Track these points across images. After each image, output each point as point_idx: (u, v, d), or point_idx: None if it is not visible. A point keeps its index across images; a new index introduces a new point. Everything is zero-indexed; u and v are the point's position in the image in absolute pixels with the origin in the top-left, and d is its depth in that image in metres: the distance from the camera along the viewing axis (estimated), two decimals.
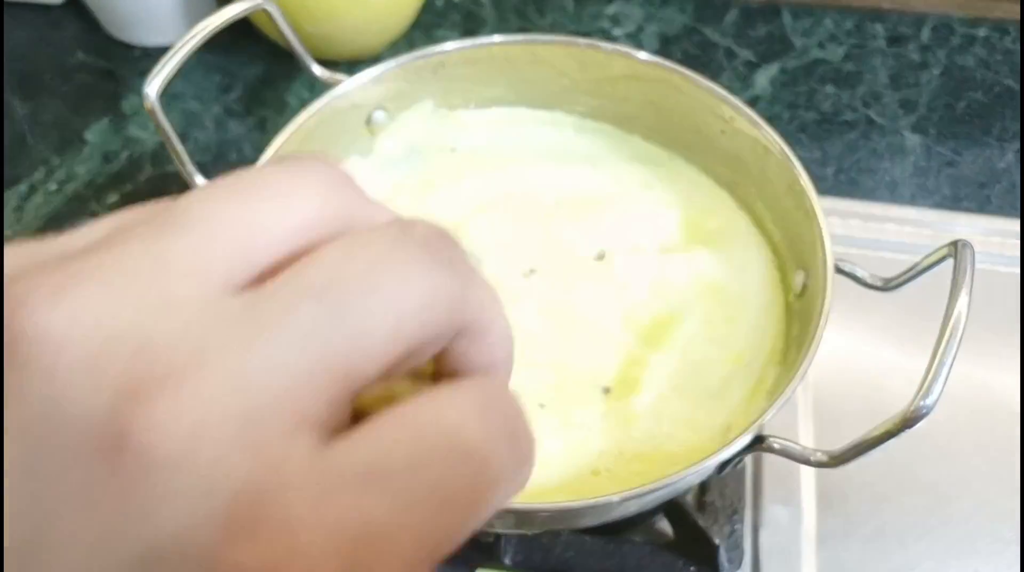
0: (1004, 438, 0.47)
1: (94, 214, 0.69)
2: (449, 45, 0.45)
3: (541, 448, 0.36)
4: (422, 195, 0.46)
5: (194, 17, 0.81)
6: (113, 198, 0.70)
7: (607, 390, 0.40)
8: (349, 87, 0.44)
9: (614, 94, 0.47)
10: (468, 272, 0.14)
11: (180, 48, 0.37)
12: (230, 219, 0.13)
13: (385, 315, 0.12)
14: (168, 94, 0.78)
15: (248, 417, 0.11)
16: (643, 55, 0.44)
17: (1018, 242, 0.58)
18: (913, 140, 0.71)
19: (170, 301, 0.12)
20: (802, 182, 0.39)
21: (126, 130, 0.76)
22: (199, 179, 0.40)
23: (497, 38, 0.45)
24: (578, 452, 0.38)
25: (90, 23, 0.83)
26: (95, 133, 0.75)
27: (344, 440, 0.12)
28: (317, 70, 0.44)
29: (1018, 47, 0.77)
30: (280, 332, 0.12)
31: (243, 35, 0.82)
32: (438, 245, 0.14)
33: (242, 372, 0.11)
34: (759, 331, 0.41)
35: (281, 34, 0.43)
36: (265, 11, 0.41)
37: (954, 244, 0.32)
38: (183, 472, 0.11)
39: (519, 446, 0.14)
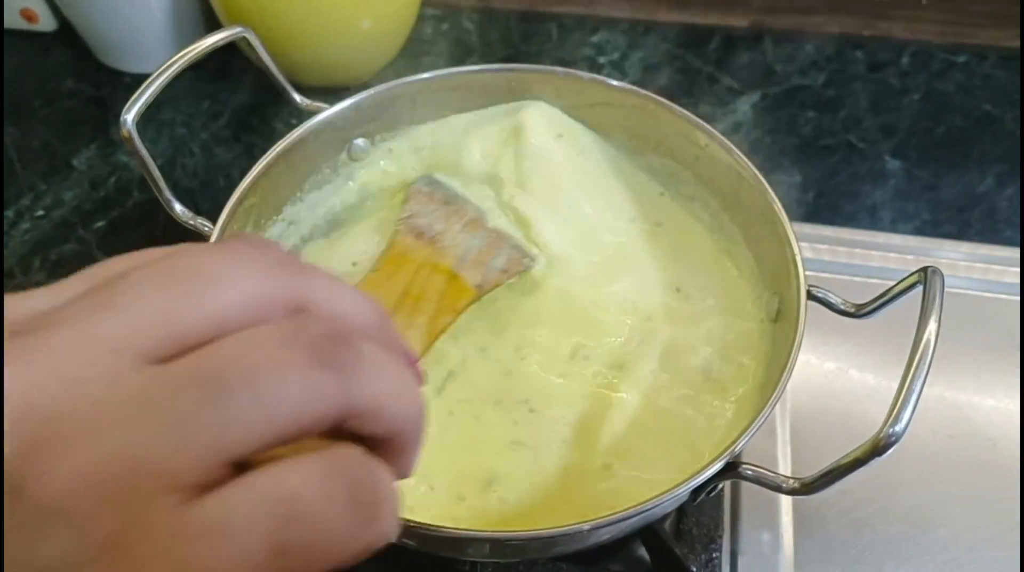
0: (982, 465, 0.47)
1: (80, 240, 0.69)
2: (427, 74, 0.45)
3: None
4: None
5: (183, 45, 0.81)
6: (100, 223, 0.70)
7: (579, 422, 0.40)
8: (328, 115, 0.44)
9: (591, 120, 0.47)
10: (356, 369, 0.16)
11: (159, 76, 0.38)
12: (158, 303, 0.16)
13: (257, 408, 0.15)
14: (157, 121, 0.79)
15: (120, 481, 0.15)
16: (616, 83, 0.45)
17: (994, 267, 0.58)
18: (893, 164, 0.72)
19: (82, 378, 0.15)
20: (775, 208, 0.39)
21: (114, 156, 0.76)
22: (177, 207, 0.41)
23: (475, 67, 0.45)
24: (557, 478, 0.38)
25: (81, 51, 0.84)
26: (83, 159, 0.76)
27: (203, 499, 0.15)
28: (297, 98, 0.45)
29: (996, 72, 0.78)
30: (163, 412, 0.15)
31: (232, 63, 0.83)
32: (327, 347, 0.16)
33: (123, 444, 0.15)
34: (735, 358, 0.42)
35: (264, 65, 0.44)
36: (245, 39, 0.42)
37: (924, 270, 0.32)
38: (62, 519, 0.14)
39: (362, 510, 0.16)
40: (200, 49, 0.39)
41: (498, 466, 0.39)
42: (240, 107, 0.80)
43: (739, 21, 0.83)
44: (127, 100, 0.39)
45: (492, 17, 0.87)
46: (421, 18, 0.85)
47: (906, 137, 0.74)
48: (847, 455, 0.30)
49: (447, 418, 0.39)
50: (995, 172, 0.71)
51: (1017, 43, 0.79)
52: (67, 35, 0.85)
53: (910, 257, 0.58)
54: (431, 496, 0.38)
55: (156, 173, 0.39)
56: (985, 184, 0.70)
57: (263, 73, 0.81)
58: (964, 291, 0.56)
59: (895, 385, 0.31)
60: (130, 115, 0.37)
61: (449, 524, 0.33)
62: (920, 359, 0.29)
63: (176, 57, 0.38)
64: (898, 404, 0.28)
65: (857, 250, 0.56)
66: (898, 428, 0.28)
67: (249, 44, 0.42)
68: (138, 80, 0.38)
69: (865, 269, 0.57)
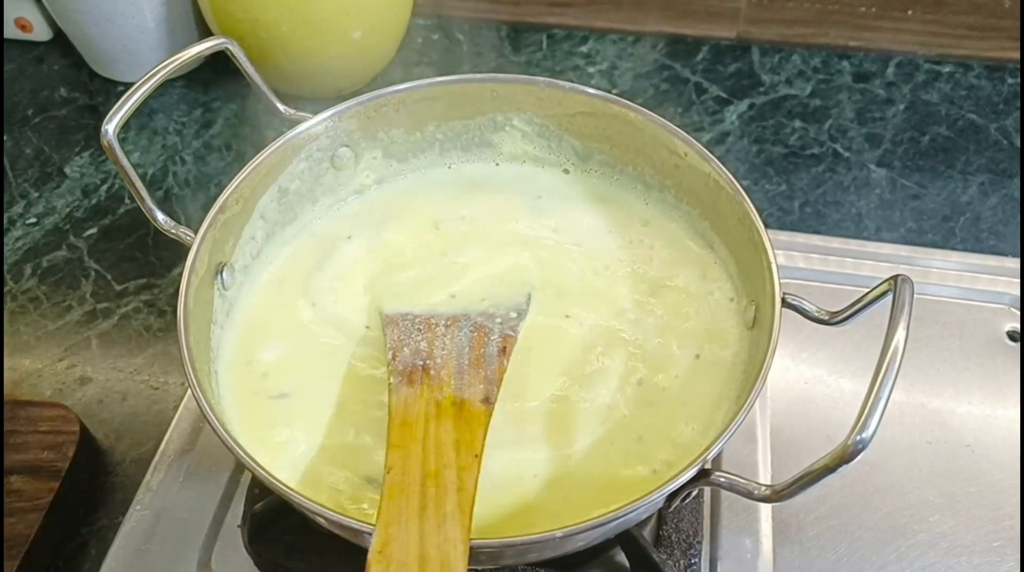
0: (959, 471, 0.47)
1: (71, 247, 0.69)
2: (407, 85, 0.46)
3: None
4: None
5: (174, 54, 0.82)
6: (91, 231, 0.71)
7: (551, 429, 0.40)
8: (311, 125, 0.45)
9: (572, 130, 0.48)
10: None
11: (141, 86, 0.38)
12: None
13: None
14: (149, 129, 0.79)
15: None
16: (594, 91, 0.45)
17: (981, 276, 0.59)
18: (879, 174, 0.73)
19: None
20: (752, 216, 0.40)
21: (106, 164, 0.76)
22: (160, 217, 0.41)
23: (456, 78, 0.46)
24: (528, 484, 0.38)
25: (75, 60, 0.84)
26: (75, 167, 0.76)
27: None
28: (280, 107, 0.45)
29: (981, 82, 0.79)
30: None
31: (224, 72, 0.83)
32: None
33: None
34: (713, 366, 0.42)
35: (247, 75, 0.44)
36: (229, 49, 0.42)
37: (894, 279, 0.33)
38: None
39: None
40: (182, 60, 0.40)
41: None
42: (232, 116, 0.81)
43: (726, 32, 0.84)
44: None
45: (483, 27, 0.87)
46: (412, 29, 0.85)
47: (891, 147, 0.75)
48: (816, 462, 0.30)
49: None
50: (979, 181, 0.72)
51: (1001, 54, 0.79)
52: (61, 45, 0.85)
53: (897, 266, 0.58)
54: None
55: (138, 183, 0.39)
56: (969, 193, 0.71)
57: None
58: (946, 299, 0.57)
59: None
60: (111, 125, 0.37)
61: None
62: (888, 366, 0.30)
63: (158, 68, 0.39)
64: (866, 411, 0.29)
65: (848, 259, 0.57)
66: (865, 435, 0.28)
67: (233, 55, 0.43)
68: None
69: (854, 278, 0.57)
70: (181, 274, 0.69)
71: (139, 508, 0.44)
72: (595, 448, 0.40)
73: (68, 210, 0.73)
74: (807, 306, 0.38)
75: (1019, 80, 0.79)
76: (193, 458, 0.46)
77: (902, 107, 0.78)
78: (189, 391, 0.49)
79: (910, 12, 0.79)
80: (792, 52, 0.82)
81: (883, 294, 0.34)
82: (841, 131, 0.76)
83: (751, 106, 0.79)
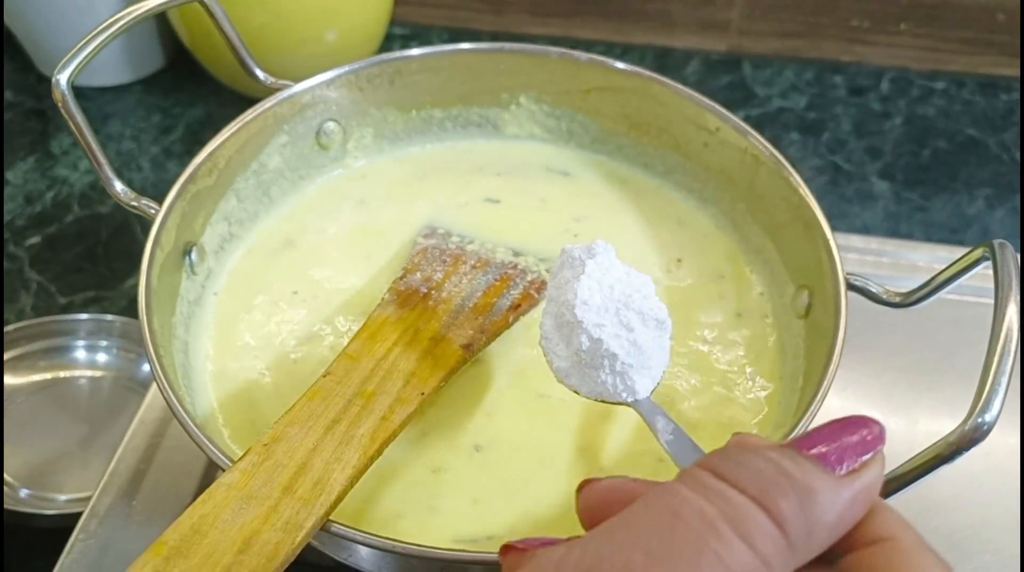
0: (1016, 487, 0.42)
1: (11, 257, 0.63)
2: (413, 51, 0.41)
3: None
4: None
5: (135, 57, 0.77)
6: (34, 240, 0.64)
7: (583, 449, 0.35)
8: (296, 91, 0.39)
9: (585, 108, 0.43)
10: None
11: (100, 33, 0.33)
12: None
13: None
14: (103, 134, 0.73)
15: None
16: (620, 64, 0.41)
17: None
18: (881, 186, 0.70)
19: None
20: (801, 192, 0.35)
21: (53, 170, 0.70)
22: (118, 186, 0.35)
23: (465, 45, 0.41)
24: None
25: (23, 63, 0.78)
26: (18, 173, 0.69)
27: None
28: (260, 74, 0.40)
29: (976, 98, 0.77)
30: None
31: (186, 77, 0.78)
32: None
33: None
34: (743, 363, 0.37)
35: (225, 36, 0.39)
36: (203, 4, 0.37)
37: (990, 245, 0.28)
38: None
39: None
40: (151, 7, 0.34)
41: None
42: (195, 121, 0.75)
43: (716, 45, 0.82)
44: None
45: (464, 37, 0.84)
46: (390, 37, 0.81)
47: (892, 159, 0.72)
48: (922, 453, 0.25)
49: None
50: (984, 194, 0.70)
51: (994, 70, 0.78)
52: (8, 46, 0.79)
53: (921, 263, 0.54)
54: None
55: (95, 145, 0.33)
56: (975, 206, 0.69)
57: (218, 87, 0.76)
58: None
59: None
60: (64, 75, 0.32)
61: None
62: (1004, 346, 0.25)
63: (125, 12, 0.33)
64: (987, 389, 0.24)
65: (868, 258, 0.53)
66: (988, 416, 0.24)
67: (208, 8, 0.37)
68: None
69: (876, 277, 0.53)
70: (134, 286, 0.63)
71: (82, 538, 0.36)
72: None
73: (9, 218, 0.66)
74: (873, 288, 0.33)
75: (1013, 95, 0.77)
76: (150, 477, 0.39)
77: (899, 121, 0.76)
78: (144, 400, 0.42)
79: (903, 26, 0.77)
80: (784, 66, 0.80)
81: (971, 265, 0.29)
82: (840, 144, 0.74)
83: (747, 118, 0.75)
